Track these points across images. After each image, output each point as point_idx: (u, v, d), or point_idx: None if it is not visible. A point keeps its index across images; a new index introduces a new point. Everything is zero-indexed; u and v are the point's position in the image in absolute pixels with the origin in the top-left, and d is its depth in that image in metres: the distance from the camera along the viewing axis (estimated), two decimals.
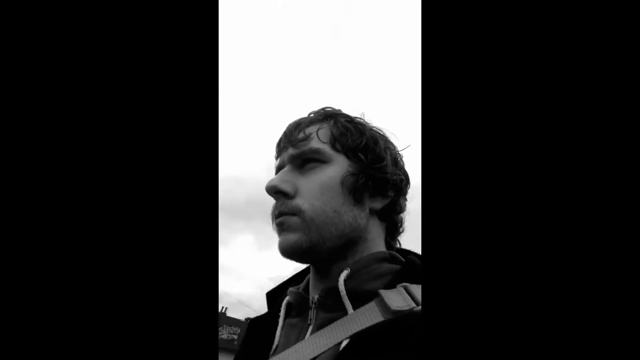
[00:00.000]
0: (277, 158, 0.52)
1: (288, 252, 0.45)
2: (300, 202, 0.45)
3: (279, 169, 0.51)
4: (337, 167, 0.47)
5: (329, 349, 0.38)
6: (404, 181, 0.51)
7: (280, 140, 0.51)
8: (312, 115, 0.52)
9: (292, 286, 0.51)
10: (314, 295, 0.46)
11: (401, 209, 0.51)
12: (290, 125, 0.51)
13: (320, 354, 0.38)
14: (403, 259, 0.47)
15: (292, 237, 0.44)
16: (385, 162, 0.49)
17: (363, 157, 0.47)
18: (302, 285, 0.51)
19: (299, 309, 0.46)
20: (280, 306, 0.49)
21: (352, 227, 0.45)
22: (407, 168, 0.53)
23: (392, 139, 0.53)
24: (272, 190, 0.46)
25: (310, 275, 0.50)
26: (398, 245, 0.53)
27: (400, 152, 0.53)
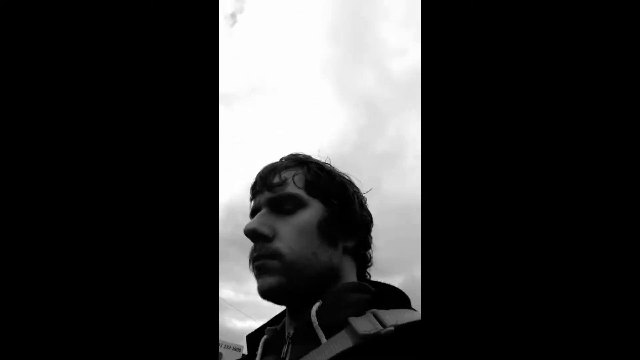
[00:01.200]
0: (251, 200, 0.55)
1: (267, 294, 0.47)
2: (280, 245, 0.47)
3: (254, 211, 0.53)
4: (313, 211, 0.50)
5: None
6: (370, 221, 0.56)
7: (256, 183, 0.54)
8: (284, 160, 0.56)
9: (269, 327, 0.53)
10: (289, 331, 0.47)
11: (369, 245, 0.56)
12: (265, 169, 0.55)
13: None
14: (372, 289, 0.50)
15: (272, 280, 0.46)
16: (354, 206, 0.54)
17: (335, 201, 0.52)
18: (280, 325, 0.53)
19: (274, 346, 0.48)
20: (257, 347, 0.50)
21: (328, 266, 0.49)
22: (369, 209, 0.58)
23: (356, 183, 0.58)
24: (251, 233, 0.48)
25: (286, 315, 0.52)
26: (368, 277, 0.56)
27: (364, 195, 0.58)
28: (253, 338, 0.55)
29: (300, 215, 0.49)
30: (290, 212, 0.50)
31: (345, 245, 0.52)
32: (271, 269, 0.46)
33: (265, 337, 0.50)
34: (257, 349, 0.51)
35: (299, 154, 0.58)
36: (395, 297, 0.49)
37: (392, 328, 0.40)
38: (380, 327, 0.40)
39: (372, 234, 0.57)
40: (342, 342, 0.41)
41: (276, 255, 0.46)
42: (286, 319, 0.51)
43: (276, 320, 0.57)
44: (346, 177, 0.57)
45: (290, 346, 0.46)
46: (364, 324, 0.41)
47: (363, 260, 0.55)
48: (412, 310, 0.47)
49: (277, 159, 0.58)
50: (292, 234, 0.48)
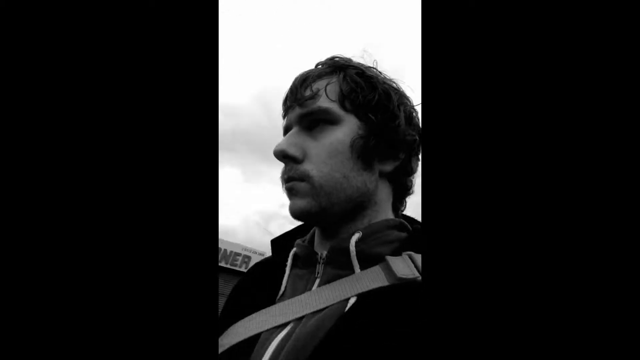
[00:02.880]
0: (284, 117, 0.49)
1: (298, 216, 0.45)
2: (309, 167, 0.44)
3: (286, 129, 0.49)
4: (347, 129, 0.45)
5: (335, 304, 0.40)
6: (417, 140, 0.48)
7: (287, 97, 0.48)
8: (319, 67, 0.48)
9: (298, 237, 0.52)
10: (322, 252, 0.46)
11: (412, 170, 0.50)
12: (296, 79, 0.48)
13: (326, 307, 0.40)
14: (410, 228, 0.48)
15: (301, 203, 0.44)
16: (398, 121, 0.46)
17: (374, 117, 0.45)
18: (307, 238, 0.52)
19: (306, 262, 0.47)
20: (287, 256, 0.50)
21: (360, 191, 0.45)
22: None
23: (408, 92, 0.50)
24: (280, 154, 0.45)
25: (316, 233, 0.50)
26: (404, 207, 0.53)
27: (415, 107, 0.50)
28: (278, 243, 0.55)
29: (331, 134, 0.45)
30: (321, 130, 0.45)
31: (382, 169, 0.47)
32: (300, 191, 0.44)
33: (295, 249, 0.50)
34: (281, 255, 0.51)
35: (338, 57, 0.49)
36: None
37: None
38: (417, 274, 0.40)
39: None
40: (377, 277, 0.41)
41: (305, 177, 0.44)
42: (316, 237, 0.50)
43: (303, 229, 0.56)
44: (394, 84, 0.49)
45: (323, 267, 0.46)
46: (402, 267, 0.41)
47: (402, 187, 0.50)
48: None
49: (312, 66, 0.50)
50: (321, 155, 0.44)
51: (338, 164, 0.44)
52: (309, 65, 0.51)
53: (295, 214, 0.45)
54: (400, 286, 0.39)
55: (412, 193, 0.52)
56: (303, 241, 0.51)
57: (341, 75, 0.47)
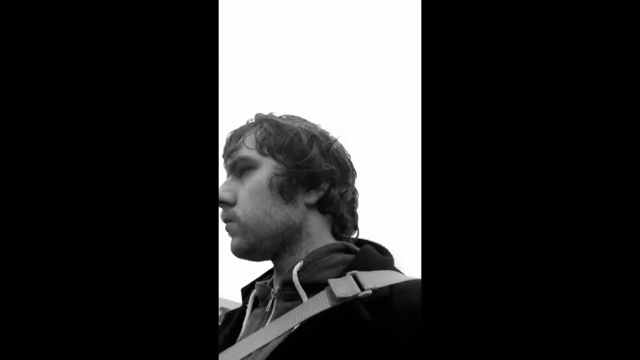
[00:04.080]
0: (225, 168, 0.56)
1: (235, 253, 0.50)
2: (237, 209, 0.49)
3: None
4: (264, 171, 0.49)
5: (281, 335, 0.42)
6: (336, 171, 0.50)
7: (222, 153, 0.55)
8: (246, 123, 0.55)
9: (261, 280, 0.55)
10: (276, 287, 0.49)
11: (340, 197, 0.51)
12: (227, 137, 0.55)
13: (273, 340, 0.42)
14: (356, 249, 0.49)
15: (235, 241, 0.49)
16: (308, 157, 0.49)
17: (286, 156, 0.49)
18: (269, 281, 0.54)
19: (263, 300, 0.50)
20: (248, 300, 0.53)
21: (285, 225, 0.48)
22: (348, 155, 0.53)
23: (329, 129, 0.54)
24: (218, 200, 0.50)
25: (274, 270, 0.53)
26: (355, 235, 0.54)
27: (333, 143, 0.52)
28: (248, 290, 0.57)
29: (252, 176, 0.50)
30: (246, 174, 0.50)
31: (307, 200, 0.49)
32: (231, 231, 0.50)
33: (255, 291, 0.52)
34: (245, 301, 0.54)
35: (261, 113, 0.54)
36: (377, 257, 0.48)
37: (370, 291, 0.41)
38: (358, 290, 0.41)
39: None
40: (320, 302, 0.42)
41: (233, 218, 0.49)
42: (274, 274, 0.53)
43: (270, 273, 0.59)
44: (309, 127, 0.52)
45: (275, 302, 0.48)
46: (342, 287, 0.42)
47: (337, 215, 0.51)
48: (392, 272, 0.46)
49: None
50: (245, 196, 0.49)
51: (258, 202, 0.48)
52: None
53: (232, 251, 0.50)
54: (340, 306, 0.41)
55: (353, 218, 0.52)
56: (265, 283, 0.53)
57: (257, 127, 0.52)
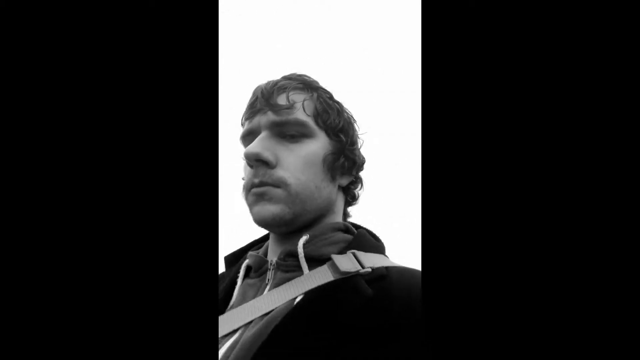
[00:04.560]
0: (248, 119, 0.51)
1: (269, 222, 0.46)
2: (285, 174, 0.45)
3: (251, 132, 0.50)
4: (320, 144, 0.49)
5: (283, 304, 0.42)
6: (364, 162, 0.56)
7: (257, 101, 0.49)
8: (288, 80, 0.51)
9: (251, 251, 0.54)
10: (272, 258, 0.49)
11: (360, 185, 0.57)
12: (267, 86, 0.50)
13: (274, 308, 0.42)
14: (355, 231, 0.52)
15: (274, 209, 0.45)
16: (355, 145, 0.53)
17: (343, 138, 0.50)
18: (261, 250, 0.53)
19: (258, 271, 0.49)
20: (239, 269, 0.51)
21: (327, 201, 0.49)
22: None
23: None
24: (254, 157, 0.45)
25: (271, 241, 0.52)
26: (350, 216, 0.58)
27: (360, 137, 0.57)
28: (231, 260, 0.56)
29: (307, 145, 0.47)
30: (295, 140, 0.47)
31: (341, 182, 0.52)
32: (275, 197, 0.45)
33: (247, 260, 0.51)
34: (234, 270, 0.52)
35: (306, 76, 0.53)
36: (372, 241, 0.51)
37: (369, 269, 0.43)
38: (358, 267, 0.43)
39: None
40: (324, 275, 0.43)
41: (281, 184, 0.45)
42: (270, 245, 0.52)
43: (255, 244, 0.58)
44: (351, 114, 0.55)
45: (273, 272, 0.47)
46: (346, 262, 0.44)
47: (352, 198, 0.56)
48: (385, 257, 0.50)
49: (277, 76, 0.53)
50: (298, 164, 0.46)
51: (312, 175, 0.47)
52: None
53: (265, 219, 0.45)
54: (343, 280, 0.42)
55: (356, 203, 0.58)
56: (257, 253, 0.52)
57: (315, 95, 0.51)
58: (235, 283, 0.49)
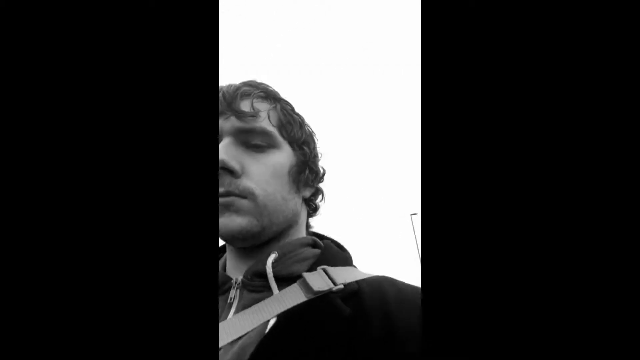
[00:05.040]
0: None
1: (235, 235, 0.43)
2: (252, 185, 0.43)
3: None
4: (285, 155, 0.47)
5: (255, 328, 0.40)
6: (324, 174, 0.56)
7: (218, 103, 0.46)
8: (250, 87, 0.48)
9: None
10: (236, 277, 0.46)
11: (319, 197, 0.56)
12: (229, 90, 0.47)
13: (246, 333, 0.39)
14: (322, 244, 0.51)
15: (242, 221, 0.42)
16: (316, 158, 0.53)
17: (307, 150, 0.50)
18: (220, 264, 0.50)
19: (219, 289, 0.46)
20: None
21: (293, 213, 0.48)
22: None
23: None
24: (219, 165, 0.42)
25: (230, 256, 0.49)
26: (312, 228, 0.57)
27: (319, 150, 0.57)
28: None
29: (273, 156, 0.46)
30: (260, 150, 0.45)
31: (304, 194, 0.51)
32: (242, 209, 0.42)
33: None
34: None
35: (268, 86, 0.51)
36: (339, 253, 0.51)
37: (342, 286, 0.42)
38: (331, 285, 0.42)
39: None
40: (295, 295, 0.42)
41: (248, 194, 0.43)
42: (230, 261, 0.49)
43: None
44: (310, 128, 0.55)
45: (239, 292, 0.44)
46: (318, 281, 0.43)
47: (313, 209, 0.56)
48: (354, 268, 0.49)
49: (235, 81, 0.50)
50: (265, 175, 0.44)
51: (279, 186, 0.45)
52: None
53: (232, 232, 0.42)
54: (317, 299, 0.41)
55: (318, 214, 0.57)
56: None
57: (278, 106, 0.49)
58: None
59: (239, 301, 0.44)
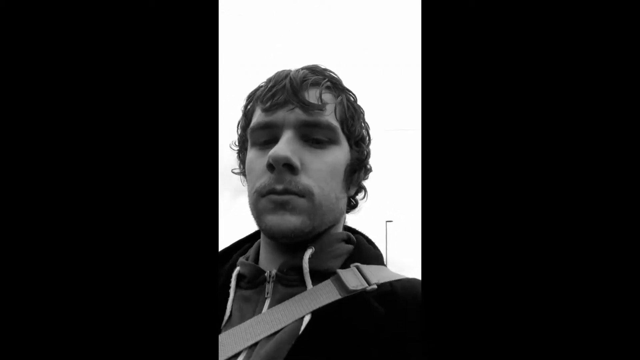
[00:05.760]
0: (267, 111, 0.43)
1: (286, 235, 0.40)
2: (310, 183, 0.40)
3: (269, 125, 0.43)
4: (345, 152, 0.45)
5: (290, 324, 0.39)
6: (370, 171, 0.53)
7: (280, 90, 0.42)
8: (317, 75, 0.44)
9: (237, 255, 0.50)
10: (271, 270, 0.44)
11: (365, 194, 0.54)
12: (295, 77, 0.42)
13: (281, 328, 0.39)
14: (355, 240, 0.50)
15: (296, 221, 0.40)
16: (369, 157, 0.50)
17: (359, 148, 0.47)
18: (251, 257, 0.49)
19: (252, 282, 0.44)
20: (229, 277, 0.46)
21: (342, 212, 0.47)
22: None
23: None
24: (282, 161, 0.39)
25: (266, 249, 0.47)
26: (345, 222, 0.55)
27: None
28: (223, 257, 0.51)
29: (332, 153, 0.43)
30: (321, 146, 0.42)
31: (350, 192, 0.49)
32: (298, 208, 0.40)
33: (238, 269, 0.46)
34: (223, 278, 0.47)
35: (332, 72, 0.47)
36: (371, 251, 0.50)
37: (375, 286, 0.41)
38: (365, 284, 0.41)
39: None
40: (329, 292, 0.41)
41: (307, 193, 0.40)
42: (264, 253, 0.47)
43: (233, 249, 0.53)
44: (367, 122, 0.51)
45: (273, 286, 0.43)
46: (352, 279, 0.42)
47: (352, 206, 0.53)
48: (386, 268, 0.49)
49: (295, 66, 0.46)
50: (323, 172, 0.42)
51: (334, 185, 0.43)
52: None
53: (284, 232, 0.40)
54: (351, 298, 0.40)
55: (356, 211, 0.55)
56: (246, 259, 0.48)
57: (344, 98, 0.46)
58: (227, 294, 0.44)
59: (273, 295, 0.43)
